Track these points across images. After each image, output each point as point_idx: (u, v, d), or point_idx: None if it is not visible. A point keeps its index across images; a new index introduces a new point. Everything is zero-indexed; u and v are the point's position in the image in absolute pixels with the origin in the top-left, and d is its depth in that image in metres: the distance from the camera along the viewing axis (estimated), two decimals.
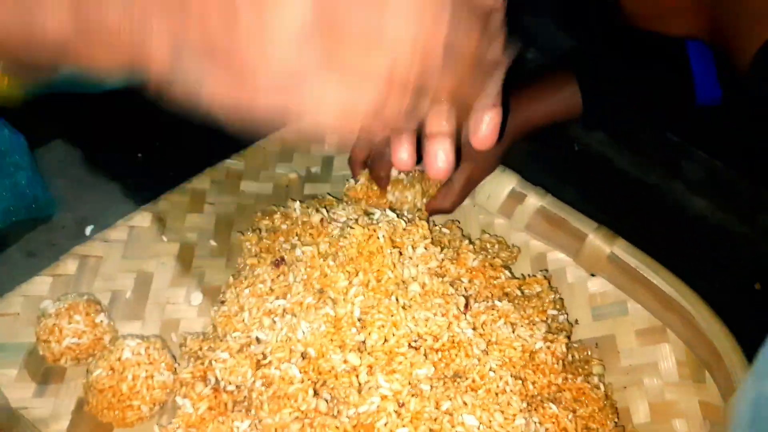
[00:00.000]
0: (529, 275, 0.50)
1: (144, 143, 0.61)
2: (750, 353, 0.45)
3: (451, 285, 0.43)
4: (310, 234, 0.46)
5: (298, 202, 0.50)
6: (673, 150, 0.65)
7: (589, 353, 0.47)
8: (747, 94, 0.51)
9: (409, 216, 0.49)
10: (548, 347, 0.41)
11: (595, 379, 0.43)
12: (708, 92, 0.54)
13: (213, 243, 0.52)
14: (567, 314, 0.48)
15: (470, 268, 0.46)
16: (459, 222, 0.53)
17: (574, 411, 0.41)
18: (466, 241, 0.48)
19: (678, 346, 0.47)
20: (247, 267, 0.46)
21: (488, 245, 0.50)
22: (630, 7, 0.54)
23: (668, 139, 0.65)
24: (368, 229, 0.41)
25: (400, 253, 0.44)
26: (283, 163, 0.59)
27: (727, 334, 0.43)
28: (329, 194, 0.55)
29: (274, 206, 0.51)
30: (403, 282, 0.42)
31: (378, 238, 0.41)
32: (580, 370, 0.43)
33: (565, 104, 0.54)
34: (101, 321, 0.43)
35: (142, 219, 0.50)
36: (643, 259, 0.48)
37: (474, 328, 0.41)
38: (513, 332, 0.41)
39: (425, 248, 0.45)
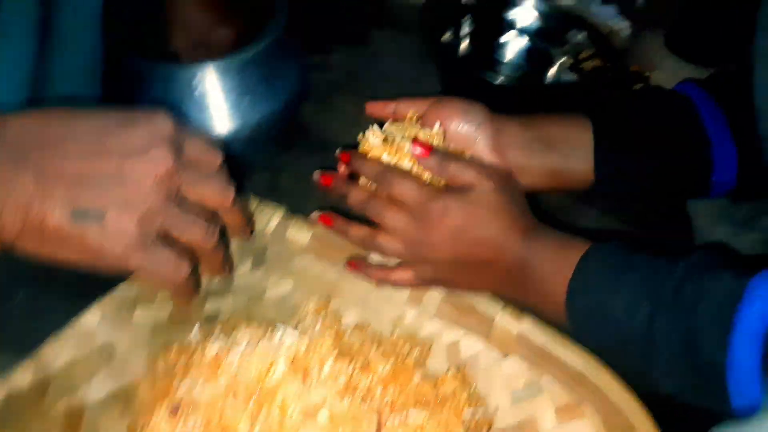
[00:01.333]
0: (445, 371, 0.49)
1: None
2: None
3: (363, 400, 0.42)
4: (209, 372, 0.43)
5: (196, 329, 0.47)
6: (564, 216, 0.68)
7: None
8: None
9: (317, 328, 0.47)
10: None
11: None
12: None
13: (104, 392, 0.48)
14: (486, 406, 0.48)
15: (382, 377, 0.45)
16: (370, 322, 0.52)
17: None
18: (375, 346, 0.47)
19: (596, 420, 0.47)
20: (142, 416, 0.43)
21: (399, 344, 0.50)
22: None
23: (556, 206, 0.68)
24: (267, 359, 0.40)
25: (307, 375, 0.42)
26: None
27: (638, 406, 0.44)
28: (234, 315, 0.53)
29: (171, 341, 0.49)
30: (312, 409, 0.40)
31: (279, 365, 0.39)
32: None
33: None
34: None
35: (22, 377, 0.46)
36: (551, 336, 0.49)
37: None
38: None
39: (333, 362, 0.43)
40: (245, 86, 0.61)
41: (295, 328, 0.48)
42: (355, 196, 0.52)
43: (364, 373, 0.44)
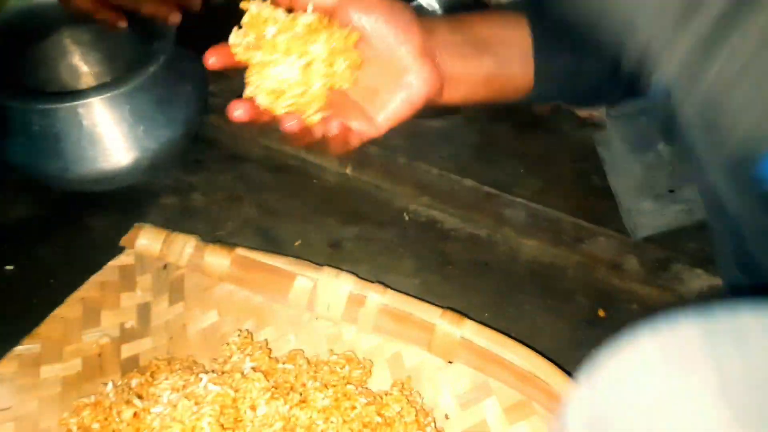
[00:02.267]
0: (386, 392, 0.46)
1: None
2: None
3: None
4: None
5: (111, 384, 0.43)
6: (494, 202, 0.67)
7: None
8: None
9: (250, 365, 0.43)
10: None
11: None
12: None
13: None
14: (434, 421, 0.46)
15: (322, 408, 0.42)
16: (303, 350, 0.49)
17: None
18: (311, 381, 0.44)
19: (545, 418, 0.46)
20: None
21: (338, 367, 0.47)
22: None
23: (488, 192, 0.67)
24: (190, 420, 0.36)
25: (240, 421, 0.38)
26: (90, 329, 0.51)
27: None
28: (155, 357, 0.48)
29: (84, 399, 0.44)
30: None
31: (203, 428, 0.35)
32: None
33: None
34: None
35: None
36: (493, 338, 0.47)
37: None
38: None
39: (266, 404, 0.40)
40: (137, 115, 0.56)
41: (222, 365, 0.44)
42: None
43: (303, 410, 0.41)
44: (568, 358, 0.50)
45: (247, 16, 0.38)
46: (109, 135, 0.54)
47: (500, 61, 0.45)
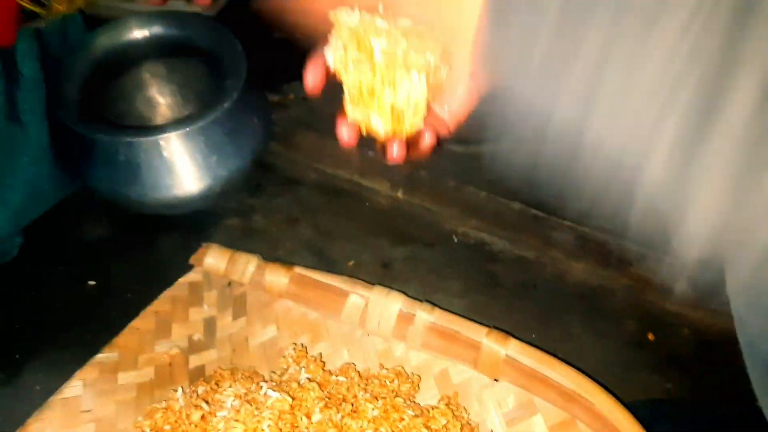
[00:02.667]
0: (433, 406, 0.48)
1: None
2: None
3: None
4: None
5: (180, 391, 0.47)
6: (541, 224, 0.68)
7: None
8: None
9: (306, 376, 0.47)
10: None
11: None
12: None
13: None
14: None
15: (372, 418, 0.44)
16: (355, 364, 0.52)
17: None
18: (362, 392, 0.47)
19: None
20: None
21: (387, 381, 0.49)
22: None
23: (535, 215, 0.68)
24: (251, 423, 0.39)
25: (296, 427, 0.41)
26: (162, 340, 0.55)
27: (630, 420, 0.44)
28: (220, 367, 0.52)
29: (156, 405, 0.48)
30: None
31: (263, 430, 0.39)
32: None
33: None
34: None
35: None
36: (538, 357, 0.49)
37: None
38: None
39: (321, 412, 0.43)
40: (211, 146, 0.61)
41: (280, 376, 0.47)
42: None
43: (354, 419, 0.44)
44: (616, 380, 0.51)
45: (345, 30, 0.33)
46: (184, 165, 0.60)
47: None
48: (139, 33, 0.67)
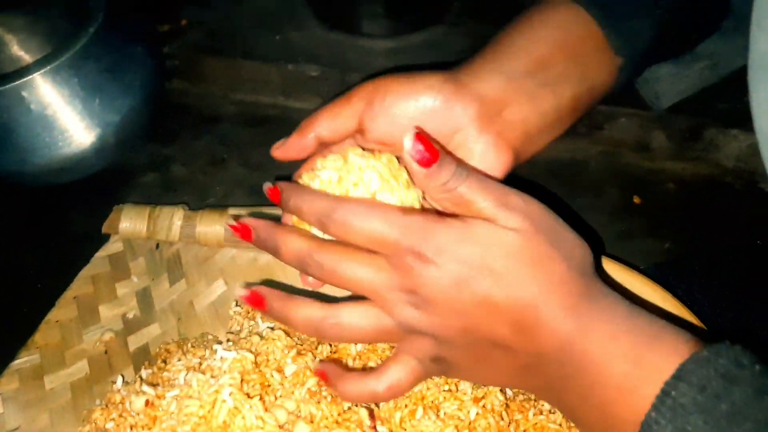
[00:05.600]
0: None
1: None
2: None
3: None
4: (144, 426, 0.34)
5: (120, 380, 0.38)
6: None
7: None
8: None
9: (263, 327, 0.39)
10: (483, 407, 0.34)
11: (547, 406, 0.36)
12: None
13: None
14: None
15: (357, 354, 0.37)
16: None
17: None
18: None
19: None
20: None
21: None
22: None
23: None
24: (208, 395, 0.31)
25: (267, 386, 0.34)
26: (90, 327, 0.46)
27: (651, 285, 0.38)
28: (164, 342, 0.43)
29: (98, 401, 0.39)
30: (285, 429, 0.32)
31: (224, 400, 0.31)
32: (527, 405, 0.36)
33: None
34: None
35: None
36: None
37: None
38: (438, 416, 0.33)
39: (293, 362, 0.35)
40: (89, 87, 0.49)
41: (237, 335, 0.39)
42: (294, 244, 0.31)
43: (336, 361, 0.36)
44: (612, 252, 0.45)
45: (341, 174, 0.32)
46: (63, 115, 0.49)
47: (579, 72, 0.35)
48: None
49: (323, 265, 0.30)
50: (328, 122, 0.35)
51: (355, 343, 0.36)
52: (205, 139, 0.62)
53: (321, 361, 0.34)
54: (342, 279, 0.30)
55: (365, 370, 0.37)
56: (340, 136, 0.35)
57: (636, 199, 0.55)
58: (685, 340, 0.27)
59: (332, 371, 0.31)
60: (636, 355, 0.27)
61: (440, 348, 0.29)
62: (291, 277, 0.46)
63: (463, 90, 0.33)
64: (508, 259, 0.28)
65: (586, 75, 0.36)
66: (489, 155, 0.33)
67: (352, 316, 0.30)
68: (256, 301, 0.32)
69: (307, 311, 0.31)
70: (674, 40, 0.42)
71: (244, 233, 0.33)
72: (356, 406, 0.34)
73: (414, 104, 0.33)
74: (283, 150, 0.37)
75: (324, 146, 0.36)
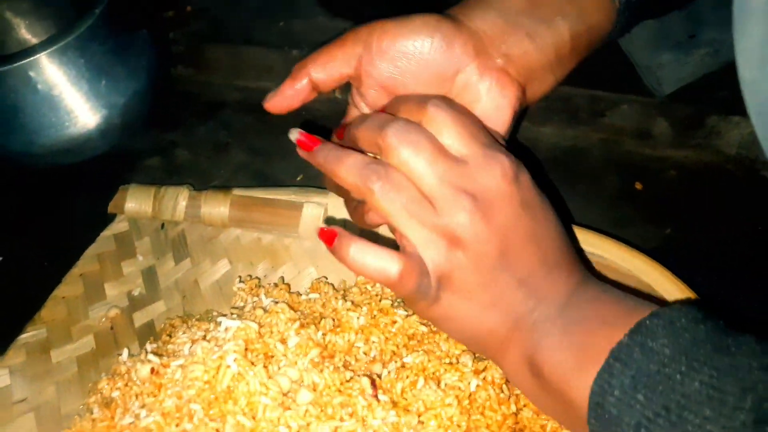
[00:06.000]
0: None
1: None
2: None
3: (346, 366, 0.35)
4: (150, 393, 0.35)
5: (126, 352, 0.39)
6: None
7: None
8: None
9: (267, 302, 0.39)
10: (484, 379, 0.34)
11: None
12: None
13: None
14: None
15: (359, 328, 0.38)
16: (326, 277, 0.45)
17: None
18: (341, 301, 0.40)
19: None
20: None
21: (368, 286, 0.42)
22: None
23: None
24: (213, 361, 0.32)
25: (271, 357, 0.34)
26: (96, 304, 0.46)
27: (650, 262, 0.39)
28: (168, 319, 0.44)
29: (103, 374, 0.40)
30: (288, 396, 0.33)
31: (229, 366, 0.31)
32: None
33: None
34: None
35: None
36: None
37: (395, 405, 0.33)
38: (439, 386, 0.33)
39: (297, 334, 0.35)
40: (95, 68, 0.50)
41: (242, 309, 0.39)
42: (356, 156, 0.32)
43: (338, 334, 0.37)
44: (614, 235, 0.46)
45: None
46: (69, 95, 0.49)
47: (573, 10, 0.35)
48: None
49: (386, 170, 0.30)
50: (323, 66, 0.35)
51: (390, 218, 0.31)
52: (209, 124, 0.62)
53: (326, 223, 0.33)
54: (401, 182, 0.30)
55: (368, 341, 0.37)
56: (335, 80, 0.35)
57: (638, 185, 0.55)
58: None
59: (343, 231, 0.31)
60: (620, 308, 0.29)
61: (460, 262, 0.29)
62: (295, 258, 0.47)
63: (461, 27, 0.33)
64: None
65: (582, 14, 0.36)
66: (495, 91, 0.33)
67: (402, 179, 0.30)
68: (309, 142, 0.34)
69: (356, 155, 0.31)
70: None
71: (308, 144, 0.34)
72: (354, 368, 0.34)
73: (412, 44, 0.33)
74: (276, 99, 0.37)
75: (317, 92, 0.36)
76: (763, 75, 0.29)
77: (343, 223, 0.45)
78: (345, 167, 0.31)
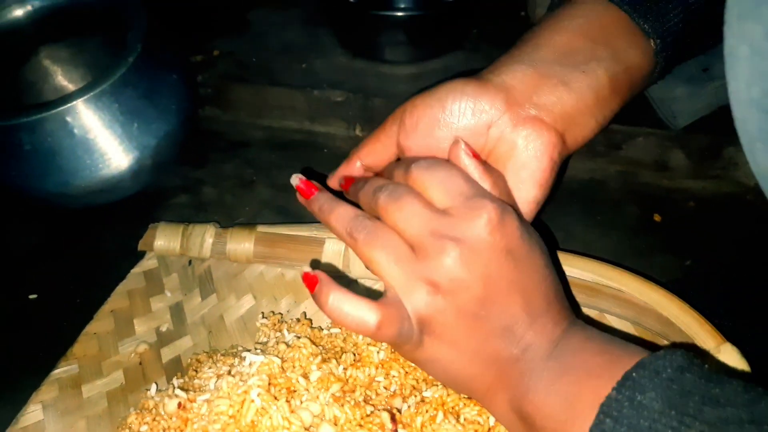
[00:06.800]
0: None
1: None
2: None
3: (366, 401, 0.35)
4: (177, 428, 0.36)
5: (154, 387, 0.40)
6: None
7: None
8: None
9: (289, 337, 0.40)
10: None
11: None
12: None
13: None
14: None
15: (379, 363, 0.38)
16: None
17: None
18: (361, 337, 0.41)
19: (625, 326, 0.42)
20: None
21: None
22: None
23: None
24: (237, 396, 0.33)
25: (293, 391, 0.35)
26: (125, 339, 0.48)
27: (669, 296, 0.39)
28: (194, 354, 0.45)
29: (132, 409, 0.41)
30: (310, 431, 0.33)
31: (253, 400, 0.32)
32: None
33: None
34: None
35: None
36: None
37: None
38: (458, 420, 0.34)
39: (318, 369, 0.36)
40: (128, 112, 0.52)
41: (266, 344, 0.40)
42: (346, 208, 0.35)
43: (358, 368, 0.38)
44: (633, 267, 0.46)
45: None
46: (103, 139, 0.52)
47: (607, 53, 0.36)
48: (20, 10, 0.58)
49: (372, 222, 0.33)
50: (370, 149, 0.39)
51: (372, 265, 0.32)
52: (235, 162, 0.64)
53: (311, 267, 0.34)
54: (386, 233, 0.32)
55: (380, 369, 0.38)
56: (382, 160, 0.39)
57: (656, 217, 0.56)
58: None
59: (324, 277, 0.31)
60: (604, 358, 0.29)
61: (441, 307, 0.30)
62: None
63: (487, 85, 0.35)
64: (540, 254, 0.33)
65: (617, 55, 0.36)
66: (530, 140, 0.34)
67: (387, 231, 0.32)
68: (307, 191, 0.38)
69: (347, 208, 0.34)
70: (706, 23, 0.41)
71: (306, 192, 0.38)
72: (375, 402, 0.35)
73: (441, 113, 0.35)
74: (332, 180, 0.42)
75: (371, 171, 0.40)
76: (750, 115, 0.30)
77: None
78: (335, 217, 0.35)
